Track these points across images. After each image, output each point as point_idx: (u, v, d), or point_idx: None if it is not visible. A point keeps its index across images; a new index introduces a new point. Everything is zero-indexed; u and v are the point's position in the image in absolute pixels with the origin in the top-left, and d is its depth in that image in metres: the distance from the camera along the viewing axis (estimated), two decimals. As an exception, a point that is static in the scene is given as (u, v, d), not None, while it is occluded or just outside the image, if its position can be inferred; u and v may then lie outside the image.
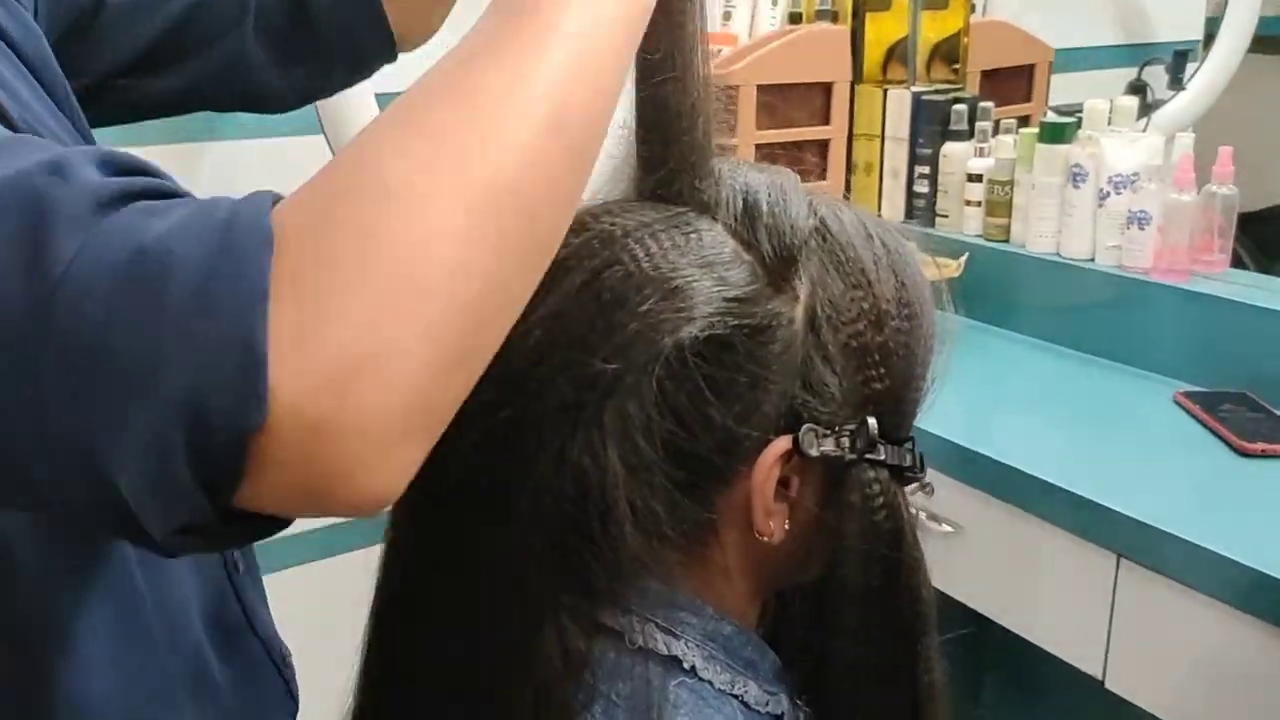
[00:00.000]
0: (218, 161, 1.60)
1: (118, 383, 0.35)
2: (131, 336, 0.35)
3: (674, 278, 0.49)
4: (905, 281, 0.55)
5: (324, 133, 1.47)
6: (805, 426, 0.51)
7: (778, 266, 0.52)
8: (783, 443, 0.51)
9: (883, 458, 0.52)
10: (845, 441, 0.52)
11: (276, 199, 0.39)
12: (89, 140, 0.70)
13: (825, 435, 0.51)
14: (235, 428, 0.35)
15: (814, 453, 0.51)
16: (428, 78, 0.42)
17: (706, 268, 0.50)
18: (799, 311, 0.52)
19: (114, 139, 1.69)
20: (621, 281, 0.49)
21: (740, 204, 0.53)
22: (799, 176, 0.57)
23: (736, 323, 0.50)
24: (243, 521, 0.38)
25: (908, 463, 0.54)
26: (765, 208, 0.53)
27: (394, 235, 0.36)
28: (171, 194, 0.39)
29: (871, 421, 0.52)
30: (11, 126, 0.59)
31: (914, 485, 0.56)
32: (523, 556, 0.50)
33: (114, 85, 0.79)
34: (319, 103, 1.43)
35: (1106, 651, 1.16)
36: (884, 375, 0.53)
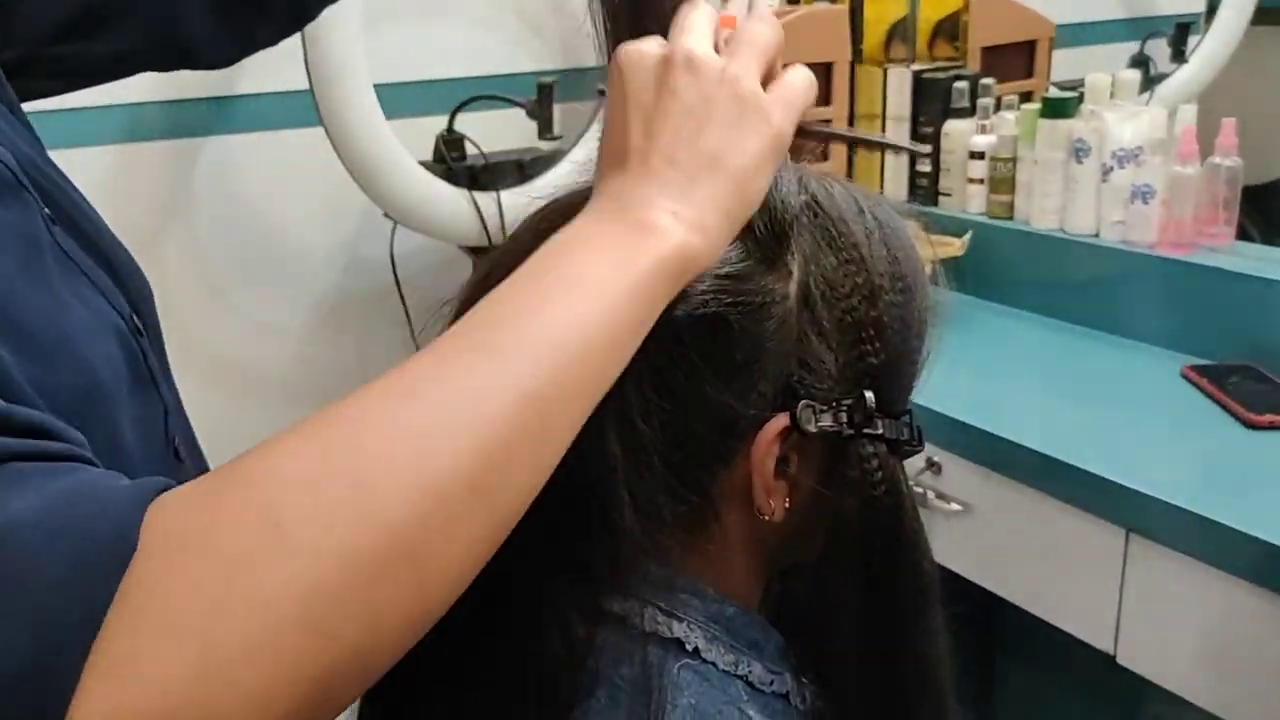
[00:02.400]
0: (215, 157, 1.60)
1: None
2: None
3: None
4: (898, 255, 0.54)
5: (323, 126, 1.46)
6: (802, 403, 0.51)
7: (769, 243, 0.51)
8: (780, 420, 0.51)
9: (880, 432, 0.52)
10: (843, 416, 0.52)
11: (164, 488, 0.36)
12: (28, 126, 0.67)
13: (823, 411, 0.51)
14: None
15: (812, 429, 0.51)
16: (368, 391, 0.39)
17: None
18: (792, 288, 0.51)
19: (114, 135, 1.68)
20: None
21: None
22: (800, 158, 0.57)
23: (730, 300, 0.49)
24: None
25: (905, 436, 0.53)
26: None
27: (259, 586, 0.33)
28: (60, 456, 0.36)
29: (868, 395, 0.52)
30: None
31: (923, 468, 0.56)
32: (523, 544, 0.50)
33: (46, 55, 0.76)
34: (319, 97, 1.43)
35: (1117, 626, 1.16)
36: (879, 349, 0.52)
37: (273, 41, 0.91)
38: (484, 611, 0.51)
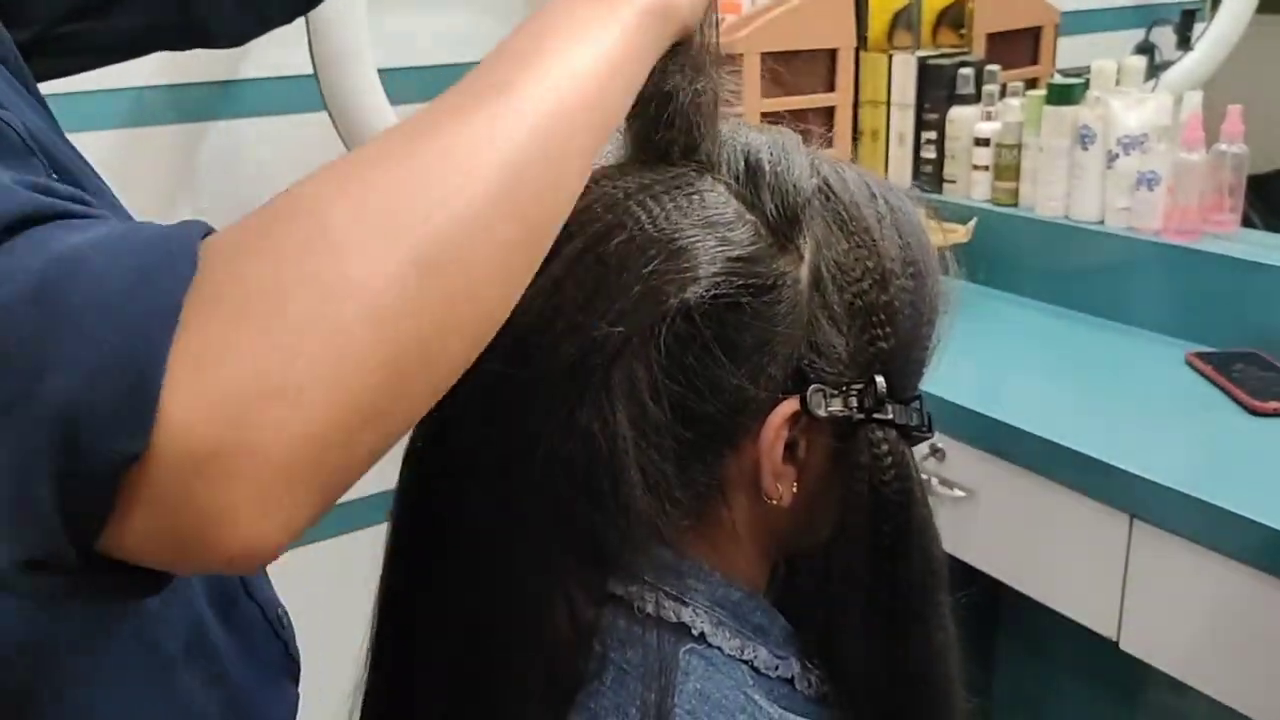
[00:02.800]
0: (220, 141, 1.60)
1: None
2: (20, 335, 0.33)
3: (677, 238, 0.49)
4: (909, 240, 0.54)
5: (328, 110, 1.46)
6: (813, 386, 0.51)
7: (781, 226, 0.51)
8: (790, 404, 0.51)
9: (890, 417, 0.52)
10: (853, 401, 0.52)
11: (208, 231, 0.37)
12: (44, 105, 0.68)
13: (833, 395, 0.51)
14: (111, 450, 0.32)
15: (821, 413, 0.51)
16: (391, 132, 0.42)
17: (709, 228, 0.50)
18: (804, 271, 0.51)
19: (118, 119, 1.69)
20: (625, 244, 0.49)
21: (742, 164, 0.52)
22: (810, 144, 0.57)
23: (742, 282, 0.49)
24: (103, 573, 0.35)
25: (915, 422, 0.53)
26: (767, 167, 0.52)
27: (319, 274, 0.35)
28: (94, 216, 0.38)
29: (879, 380, 0.52)
30: None
31: (927, 454, 0.56)
32: (532, 526, 0.50)
33: (61, 33, 0.77)
34: (323, 82, 1.43)
35: (1120, 612, 1.17)
36: (890, 334, 0.52)
37: (286, 19, 0.91)
38: (494, 592, 0.52)
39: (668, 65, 0.51)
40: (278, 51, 1.55)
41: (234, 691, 0.69)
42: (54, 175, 0.61)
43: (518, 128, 0.42)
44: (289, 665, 0.78)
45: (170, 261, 0.34)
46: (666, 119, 0.52)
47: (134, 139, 1.52)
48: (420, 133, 0.41)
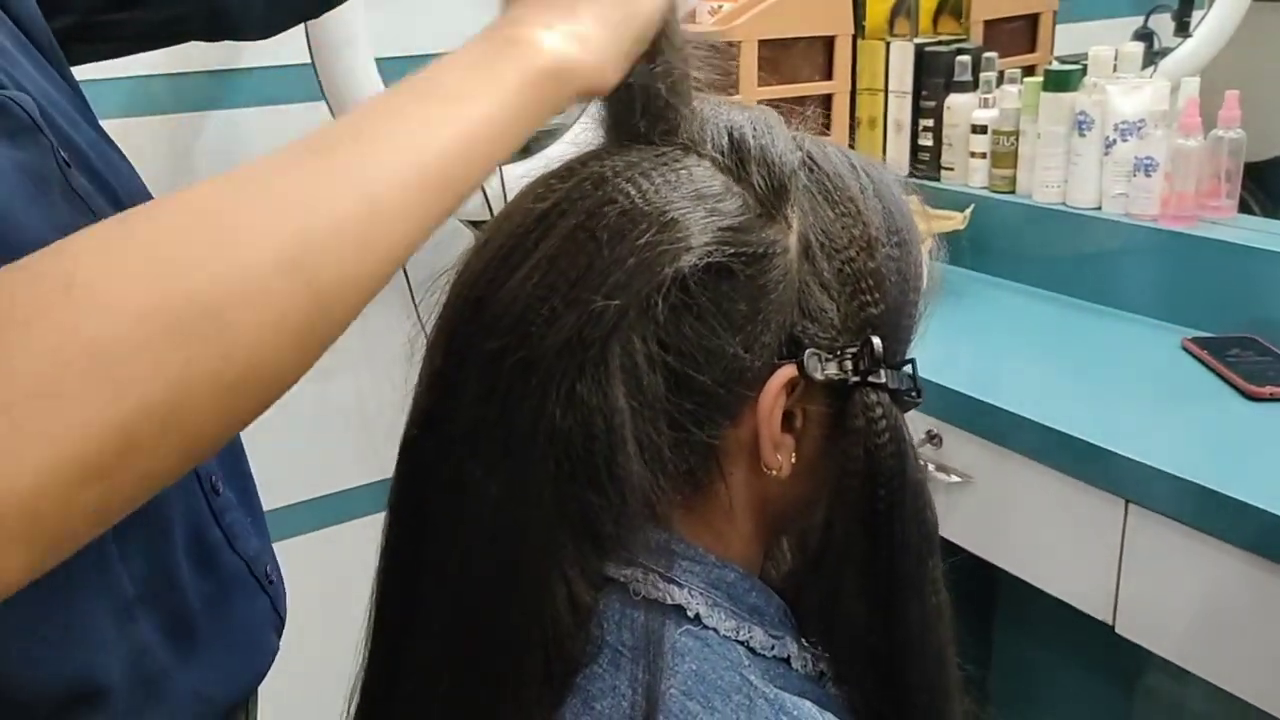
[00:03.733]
0: (220, 131, 1.60)
1: None
2: None
3: (669, 210, 0.50)
4: (892, 209, 0.56)
5: (325, 99, 1.46)
6: (808, 350, 0.52)
7: (769, 197, 0.52)
8: (787, 370, 0.52)
9: (884, 381, 0.53)
10: (848, 364, 0.53)
11: None
12: (74, 88, 0.69)
13: (828, 359, 0.52)
14: None
15: (819, 376, 0.52)
16: (213, 179, 0.41)
17: (699, 200, 0.51)
18: (793, 239, 0.52)
19: (117, 109, 1.68)
20: (617, 219, 0.50)
21: (726, 140, 0.53)
22: (800, 127, 0.58)
23: (734, 251, 0.50)
24: None
25: (906, 386, 0.54)
26: (752, 141, 0.53)
27: (49, 326, 0.34)
28: None
29: (875, 341, 0.53)
30: None
31: (924, 440, 0.56)
32: (531, 507, 0.50)
33: (102, 20, 0.78)
34: (321, 71, 1.42)
35: (1116, 596, 1.17)
36: (879, 300, 0.54)
37: (316, 13, 0.92)
38: (493, 577, 0.52)
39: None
40: (275, 40, 1.55)
41: (199, 637, 0.69)
42: (63, 155, 0.62)
43: (331, 194, 0.41)
44: (273, 619, 0.79)
45: None
46: (640, 108, 0.53)
47: (131, 128, 1.52)
48: (229, 183, 0.40)
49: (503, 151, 0.47)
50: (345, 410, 1.79)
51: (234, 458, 0.78)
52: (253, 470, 0.82)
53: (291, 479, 1.77)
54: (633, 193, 0.50)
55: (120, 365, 0.35)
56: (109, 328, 0.35)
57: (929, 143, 1.81)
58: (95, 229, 0.38)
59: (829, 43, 1.83)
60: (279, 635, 0.80)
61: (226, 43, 1.47)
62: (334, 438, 1.79)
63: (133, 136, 1.53)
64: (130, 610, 0.65)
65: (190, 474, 0.67)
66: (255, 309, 0.38)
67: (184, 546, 0.68)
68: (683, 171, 0.52)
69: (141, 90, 1.51)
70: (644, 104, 0.53)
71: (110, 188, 0.67)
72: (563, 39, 0.49)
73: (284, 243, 0.39)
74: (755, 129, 0.54)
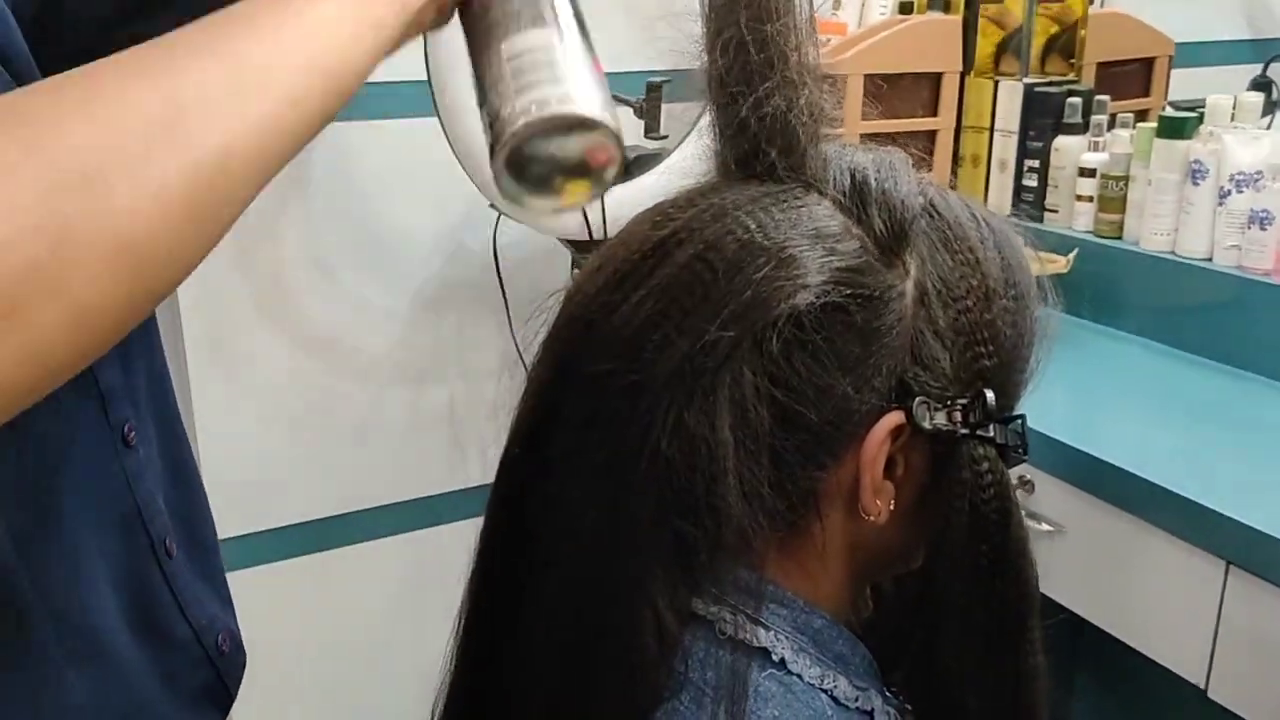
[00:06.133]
0: (335, 141, 1.65)
1: None
2: None
3: (787, 246, 0.50)
4: (1011, 262, 0.55)
5: (437, 115, 1.50)
6: (918, 398, 0.51)
7: (889, 242, 0.52)
8: (894, 417, 0.51)
9: (992, 435, 0.52)
10: (957, 415, 0.52)
11: None
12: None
13: (937, 409, 0.52)
14: None
15: (927, 425, 0.51)
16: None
17: (817, 239, 0.51)
18: (909, 285, 0.52)
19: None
20: (735, 251, 0.50)
21: (848, 181, 0.53)
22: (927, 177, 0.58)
23: (850, 292, 0.50)
24: None
25: (1014, 442, 0.53)
26: (875, 184, 0.53)
27: None
28: None
29: (989, 394, 0.52)
30: None
31: (1016, 485, 0.55)
32: (627, 531, 0.50)
33: (118, 38, 0.78)
34: (435, 88, 1.46)
35: (1211, 659, 1.14)
36: (992, 353, 0.53)
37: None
38: (584, 604, 0.52)
39: (766, 87, 0.51)
40: (394, 58, 1.59)
41: (137, 704, 0.67)
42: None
43: (198, 64, 0.42)
44: (217, 693, 0.75)
45: None
46: (767, 139, 0.52)
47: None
48: (104, 64, 0.41)
49: (349, 76, 0.46)
50: (438, 419, 1.83)
51: (191, 524, 0.75)
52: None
53: (381, 482, 1.81)
54: (752, 226, 0.50)
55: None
56: None
57: (1033, 183, 1.78)
58: None
59: (936, 79, 1.82)
60: (223, 712, 0.76)
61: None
62: (425, 445, 1.83)
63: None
64: (60, 673, 0.62)
65: (139, 533, 0.66)
66: (133, 174, 0.38)
67: (122, 609, 0.66)
68: (803, 209, 0.52)
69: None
70: (777, 138, 0.52)
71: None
72: None
73: (156, 109, 0.39)
74: (879, 172, 0.54)
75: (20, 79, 0.62)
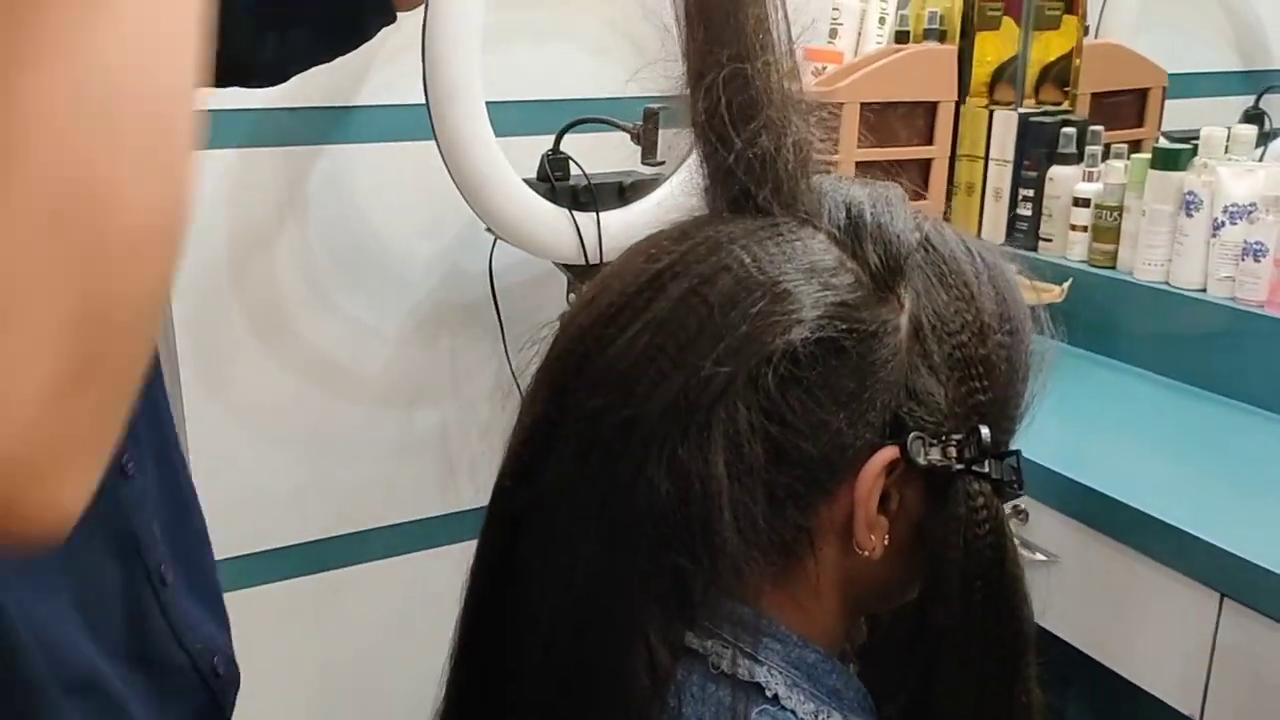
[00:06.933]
0: (331, 164, 1.65)
1: None
2: None
3: (781, 281, 0.50)
4: (1006, 296, 0.55)
5: (435, 139, 1.50)
6: (913, 434, 0.51)
7: (883, 276, 0.52)
8: (888, 452, 0.51)
9: (987, 470, 0.52)
10: (952, 451, 0.52)
11: None
12: None
13: (932, 444, 0.52)
14: None
15: (922, 461, 0.51)
16: None
17: (812, 274, 0.51)
18: (904, 320, 0.52)
19: (240, 139, 1.74)
20: (730, 286, 0.50)
21: (843, 215, 0.53)
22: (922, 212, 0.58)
23: (845, 327, 0.50)
24: None
25: (1009, 478, 0.53)
26: (870, 218, 0.53)
27: None
28: None
29: (984, 430, 0.52)
30: None
31: (1010, 515, 0.55)
32: (621, 565, 0.50)
33: None
34: (433, 112, 1.47)
35: (1205, 691, 1.13)
36: (987, 388, 0.53)
37: (325, 59, 0.92)
38: (575, 638, 0.52)
39: (751, 129, 0.51)
40: (391, 81, 1.60)
41: None
42: None
43: (92, 36, 0.34)
44: (211, 715, 0.76)
45: None
46: (756, 182, 0.52)
47: (250, 158, 1.58)
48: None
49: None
50: (429, 442, 1.82)
51: (188, 549, 0.75)
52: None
53: (376, 504, 1.80)
54: (747, 261, 0.50)
55: (34, 280, 0.33)
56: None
57: (1027, 212, 1.79)
58: None
59: (931, 108, 1.83)
60: None
61: (348, 79, 1.52)
62: (416, 467, 1.82)
63: (251, 166, 1.60)
64: (52, 704, 0.62)
65: (136, 563, 0.66)
66: (107, 150, 0.34)
67: (116, 640, 0.66)
68: (798, 244, 0.51)
69: (262, 122, 1.57)
70: (765, 179, 0.52)
71: None
72: None
73: (80, 94, 0.34)
74: (875, 206, 0.54)
75: None
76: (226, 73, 0.87)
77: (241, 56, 0.84)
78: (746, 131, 0.51)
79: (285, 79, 0.93)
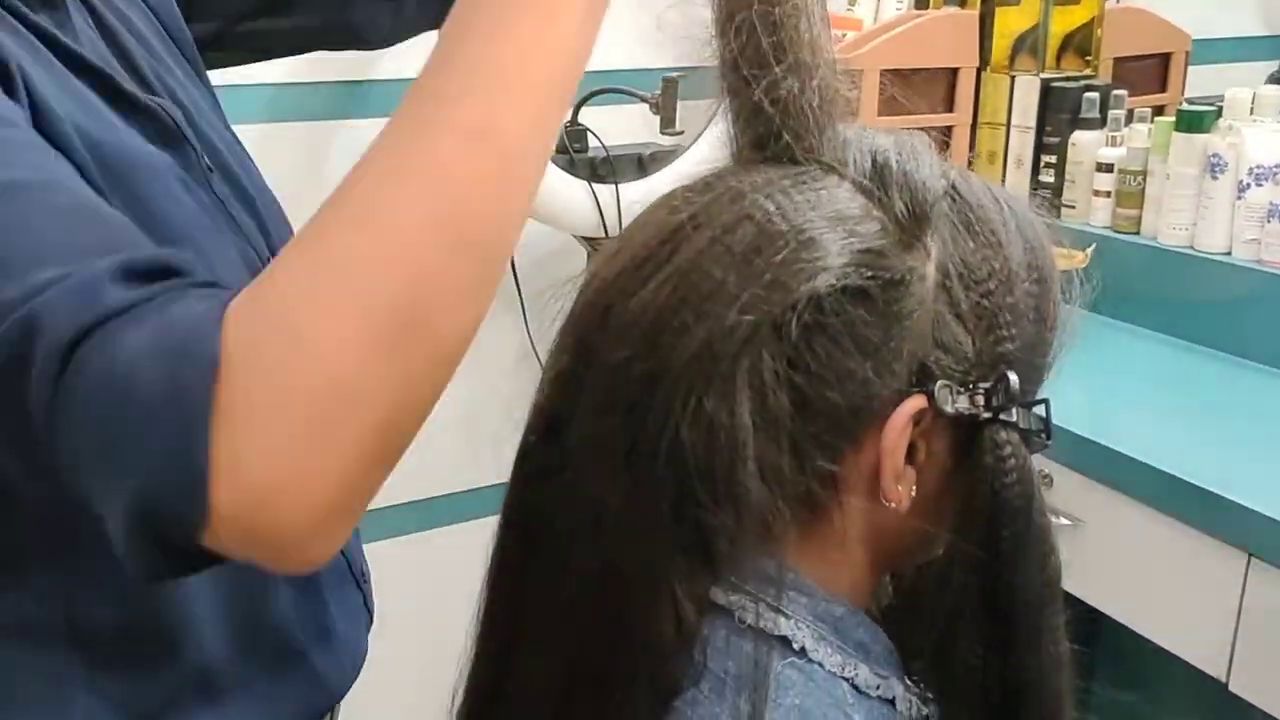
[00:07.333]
0: (349, 138, 1.66)
1: (101, 470, 0.43)
2: (105, 442, 0.43)
3: (806, 229, 0.49)
4: (1033, 245, 0.55)
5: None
6: (940, 382, 0.51)
7: (910, 224, 0.51)
8: (915, 401, 0.51)
9: (1015, 419, 0.52)
10: (980, 399, 0.51)
11: (231, 297, 0.43)
12: (211, 93, 0.73)
13: (960, 393, 0.51)
14: (184, 524, 0.42)
15: (949, 409, 0.51)
16: (342, 187, 0.45)
17: (837, 221, 0.50)
18: (931, 268, 0.51)
19: (257, 114, 1.74)
20: (754, 234, 0.49)
21: (869, 163, 0.53)
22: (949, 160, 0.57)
23: (871, 274, 0.50)
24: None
25: (1037, 427, 0.53)
26: (896, 166, 0.52)
27: (300, 381, 0.42)
28: (179, 272, 0.45)
29: (1012, 376, 0.51)
30: (142, 78, 0.64)
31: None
32: (646, 519, 0.50)
33: (241, 29, 0.83)
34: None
35: (1232, 653, 1.13)
36: (1014, 336, 0.52)
37: (435, 27, 0.95)
38: (603, 592, 0.52)
39: (779, 69, 0.51)
40: (408, 54, 1.60)
41: (292, 646, 0.74)
42: (207, 161, 0.66)
43: (460, 160, 0.44)
44: (366, 617, 0.83)
45: (195, 371, 0.41)
46: (781, 122, 0.52)
47: (269, 133, 1.58)
48: (367, 185, 0.45)
49: (593, 30, 0.49)
50: (451, 416, 1.83)
51: None
52: None
53: (393, 480, 1.81)
54: (771, 209, 0.50)
55: (365, 385, 0.42)
56: (343, 363, 0.42)
57: (1050, 179, 1.78)
58: (290, 261, 0.44)
59: (952, 74, 1.81)
60: (368, 633, 0.83)
61: (361, 56, 1.52)
62: (438, 443, 1.83)
63: (270, 140, 1.60)
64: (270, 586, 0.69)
65: None
66: (441, 296, 0.43)
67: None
68: (822, 192, 0.51)
69: (280, 97, 1.57)
70: (791, 120, 0.52)
71: (243, 188, 0.71)
72: None
73: (447, 228, 0.43)
74: (901, 154, 0.53)
75: (180, 44, 0.69)
76: (346, 40, 0.93)
77: (360, 21, 0.90)
78: (774, 72, 0.51)
79: (396, 42, 0.98)
